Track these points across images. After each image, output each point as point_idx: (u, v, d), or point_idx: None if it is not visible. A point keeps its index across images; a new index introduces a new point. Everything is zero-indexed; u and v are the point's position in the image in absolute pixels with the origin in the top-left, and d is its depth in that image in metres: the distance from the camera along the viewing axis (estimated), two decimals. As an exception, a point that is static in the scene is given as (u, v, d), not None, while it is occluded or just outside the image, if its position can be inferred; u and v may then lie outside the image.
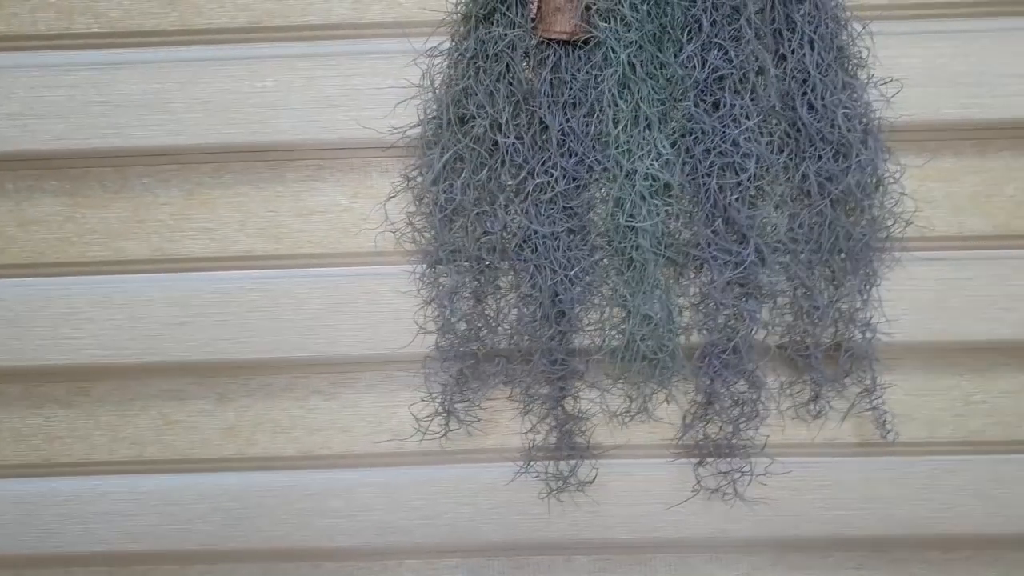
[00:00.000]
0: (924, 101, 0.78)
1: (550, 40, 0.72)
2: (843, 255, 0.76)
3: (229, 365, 0.86)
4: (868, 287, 0.78)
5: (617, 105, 0.70)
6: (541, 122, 0.73)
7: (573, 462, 0.85)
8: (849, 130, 0.72)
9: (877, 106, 0.75)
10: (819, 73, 0.71)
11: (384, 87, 0.78)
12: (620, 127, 0.70)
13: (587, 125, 0.73)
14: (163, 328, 0.84)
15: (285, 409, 0.88)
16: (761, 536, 0.90)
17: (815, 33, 0.71)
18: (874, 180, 0.75)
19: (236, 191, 0.82)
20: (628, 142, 0.70)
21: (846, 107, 0.72)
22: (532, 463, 0.85)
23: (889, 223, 0.78)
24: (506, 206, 0.73)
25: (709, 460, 0.85)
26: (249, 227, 0.83)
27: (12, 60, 0.79)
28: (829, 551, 0.91)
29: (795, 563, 0.92)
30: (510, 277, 0.78)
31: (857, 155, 0.72)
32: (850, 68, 0.73)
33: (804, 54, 0.71)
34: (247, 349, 0.85)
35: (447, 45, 0.74)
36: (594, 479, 0.87)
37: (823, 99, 0.72)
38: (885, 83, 0.76)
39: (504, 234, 0.75)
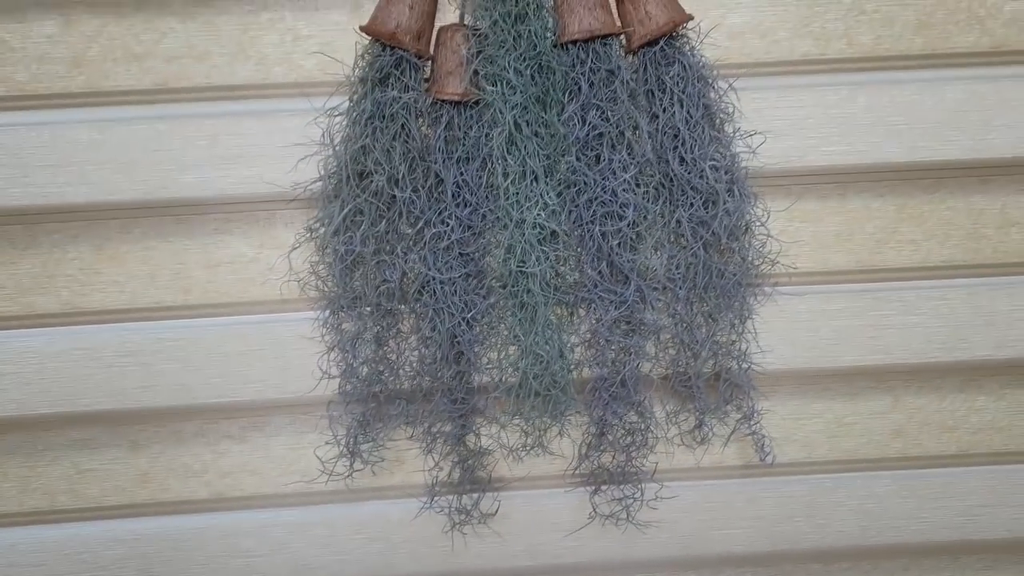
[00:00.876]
0: (789, 150, 0.86)
1: (443, 101, 0.78)
2: (717, 292, 0.83)
3: (141, 413, 0.88)
4: (742, 321, 0.85)
5: (506, 160, 0.76)
6: (437, 176, 0.78)
7: (476, 495, 0.89)
8: (716, 180, 0.79)
9: (744, 156, 0.83)
10: (688, 129, 0.78)
11: (286, 144, 0.82)
12: (509, 180, 0.76)
13: (480, 178, 0.79)
14: (74, 379, 0.87)
15: (197, 454, 0.90)
16: (656, 557, 0.96)
17: (683, 93, 0.78)
18: (742, 224, 0.82)
19: (145, 245, 0.85)
20: (517, 194, 0.76)
21: (713, 159, 0.79)
22: (436, 498, 0.90)
23: (757, 262, 0.85)
24: (404, 255, 0.78)
25: (604, 488, 0.90)
26: (158, 279, 0.86)
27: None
28: (720, 568, 0.98)
29: (690, 582, 0.98)
30: (411, 321, 0.83)
31: (724, 202, 0.79)
32: (717, 123, 0.80)
33: (674, 112, 0.78)
34: (158, 397, 0.88)
35: (345, 106, 0.78)
36: (496, 511, 0.91)
37: (692, 152, 0.78)
38: (751, 135, 0.84)
39: (404, 281, 0.79)
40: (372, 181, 0.77)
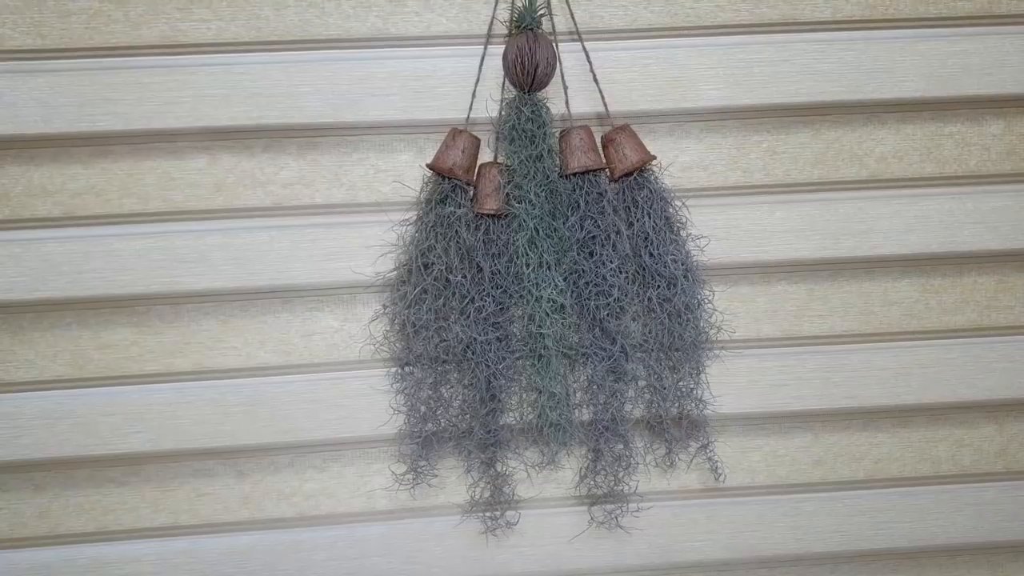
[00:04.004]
0: (726, 249, 1.19)
1: (483, 214, 1.11)
2: (679, 351, 1.15)
3: (246, 449, 1.17)
4: (698, 373, 1.17)
5: (528, 254, 1.08)
6: (478, 266, 1.10)
7: (503, 508, 1.18)
8: (675, 269, 1.12)
9: (695, 253, 1.16)
10: (655, 233, 1.11)
11: (368, 246, 1.14)
12: (530, 268, 1.08)
13: (508, 268, 1.11)
14: (197, 423, 1.16)
15: (287, 480, 1.19)
16: (637, 564, 1.24)
17: (651, 208, 1.12)
18: (696, 301, 1.14)
19: (258, 320, 1.16)
20: (536, 278, 1.08)
21: (672, 255, 1.12)
22: (473, 512, 1.18)
23: (708, 329, 1.17)
24: (455, 322, 1.10)
25: (598, 503, 1.20)
26: (267, 345, 1.16)
27: (102, 232, 1.12)
28: (687, 572, 1.26)
29: (665, 584, 1.27)
30: (457, 374, 1.14)
31: (681, 285, 1.12)
32: (675, 229, 1.14)
33: (644, 221, 1.12)
34: (261, 436, 1.16)
35: (413, 218, 1.11)
36: (518, 521, 1.20)
37: (658, 250, 1.11)
38: (699, 238, 1.17)
39: (454, 342, 1.10)
40: (434, 270, 1.08)
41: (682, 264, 1.13)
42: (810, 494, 1.26)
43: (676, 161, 1.18)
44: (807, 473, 1.25)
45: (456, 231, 1.09)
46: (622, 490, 1.18)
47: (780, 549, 1.25)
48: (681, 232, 1.15)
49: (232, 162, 1.13)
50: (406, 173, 1.15)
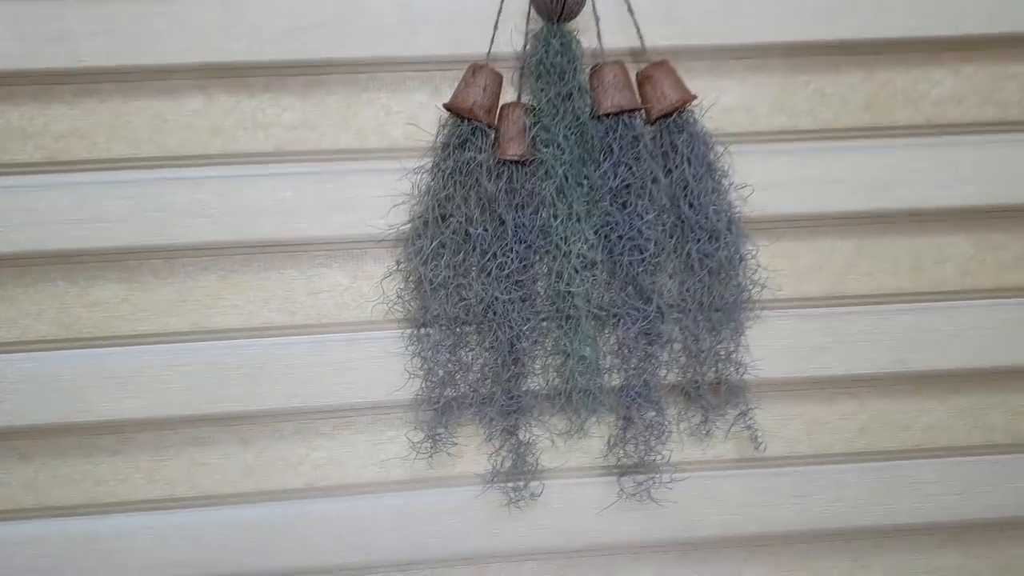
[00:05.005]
0: (770, 200, 1.10)
1: (506, 160, 1.00)
2: (719, 312, 1.05)
3: (249, 415, 1.08)
4: (738, 336, 1.07)
5: (556, 205, 0.98)
6: (500, 219, 1.00)
7: (525, 480, 1.09)
8: (718, 221, 1.02)
9: (737, 204, 1.06)
10: (695, 182, 1.01)
11: (379, 195, 1.04)
12: (559, 221, 0.98)
13: (532, 220, 1.01)
14: (196, 387, 1.06)
15: (294, 449, 1.10)
16: (667, 538, 1.16)
17: (691, 154, 1.02)
18: (738, 257, 1.05)
19: (261, 276, 1.06)
20: (565, 231, 0.98)
21: (715, 205, 1.02)
22: (494, 482, 1.10)
23: (750, 287, 1.07)
24: (475, 280, 1.00)
25: (628, 474, 1.11)
26: (270, 304, 1.07)
27: (90, 178, 1.02)
28: (719, 548, 1.18)
29: (696, 559, 1.18)
30: (477, 335, 1.04)
31: (724, 239, 1.02)
32: (717, 178, 1.04)
33: (684, 168, 1.01)
34: (264, 401, 1.07)
35: (428, 165, 1.01)
36: (541, 493, 1.11)
37: (699, 200, 1.01)
38: (742, 188, 1.07)
39: (474, 302, 1.01)
40: (452, 222, 0.99)
41: (725, 215, 1.03)
42: (853, 464, 1.17)
43: (717, 103, 1.07)
44: (851, 442, 1.17)
45: (476, 179, 0.99)
46: (654, 460, 1.10)
47: (820, 523, 1.17)
48: (723, 181, 1.05)
49: (230, 103, 1.03)
50: (421, 115, 1.04)
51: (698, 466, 1.15)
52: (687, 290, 1.04)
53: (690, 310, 1.05)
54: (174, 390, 1.06)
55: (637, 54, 1.04)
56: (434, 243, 0.99)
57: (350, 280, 1.07)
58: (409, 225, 1.03)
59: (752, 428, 1.11)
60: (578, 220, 0.98)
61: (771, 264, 1.11)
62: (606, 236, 1.01)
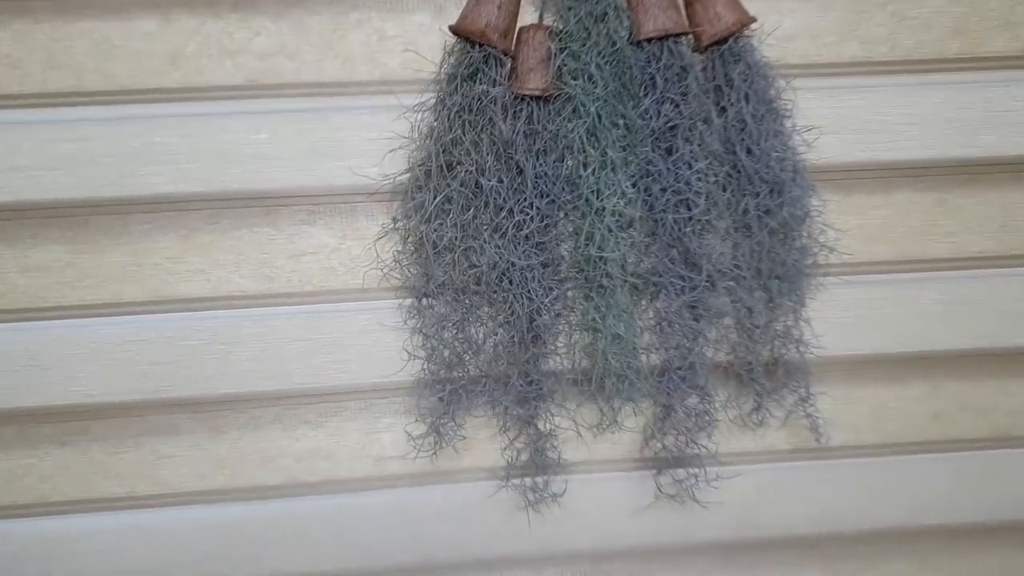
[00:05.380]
0: (838, 145, 0.92)
1: (526, 95, 0.82)
2: (779, 280, 0.88)
3: (221, 400, 0.91)
4: (799, 308, 0.90)
5: (586, 151, 0.80)
6: (518, 168, 0.82)
7: (547, 476, 0.93)
8: (781, 171, 0.84)
9: (802, 150, 0.88)
10: (754, 122, 0.83)
11: (372, 139, 0.86)
12: (589, 170, 0.80)
13: (557, 170, 0.83)
14: (158, 367, 0.90)
15: (273, 440, 0.94)
16: (711, 539, 1.00)
17: (749, 89, 0.83)
18: (803, 214, 0.87)
19: (231, 236, 0.89)
20: (596, 183, 0.80)
21: (778, 151, 0.84)
22: (509, 479, 0.93)
23: (815, 251, 0.90)
24: (488, 242, 0.82)
25: (667, 469, 0.95)
26: (243, 269, 0.89)
27: (25, 116, 0.84)
28: (768, 550, 1.02)
29: (743, 564, 1.02)
30: (490, 308, 0.87)
31: (788, 192, 0.84)
32: (778, 118, 0.86)
33: (741, 107, 0.83)
34: (239, 383, 0.91)
35: (431, 102, 0.83)
36: (564, 491, 0.95)
37: (758, 144, 0.84)
38: (807, 130, 0.89)
39: (486, 268, 0.83)
40: (459, 172, 0.81)
41: (790, 164, 0.85)
42: (925, 455, 1.01)
43: (779, 27, 0.89)
44: (922, 429, 1.00)
45: (489, 119, 0.81)
46: (697, 454, 0.93)
47: (885, 522, 1.01)
48: (786, 122, 0.87)
49: (192, 24, 0.85)
50: (421, 40, 0.86)
51: (747, 458, 0.98)
52: (741, 254, 0.86)
53: (744, 278, 0.87)
54: (131, 371, 0.90)
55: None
56: (438, 197, 0.81)
57: (338, 240, 0.90)
58: (408, 175, 0.85)
59: (813, 416, 0.94)
60: (612, 169, 0.81)
61: (837, 223, 0.93)
62: (646, 189, 0.83)
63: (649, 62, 0.82)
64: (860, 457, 1.01)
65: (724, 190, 0.85)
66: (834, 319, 0.96)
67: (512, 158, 0.82)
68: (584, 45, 0.80)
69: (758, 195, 0.85)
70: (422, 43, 0.86)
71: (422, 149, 0.83)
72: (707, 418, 0.92)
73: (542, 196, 0.83)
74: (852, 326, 0.96)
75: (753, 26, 0.84)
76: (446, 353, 0.87)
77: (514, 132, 0.82)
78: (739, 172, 0.85)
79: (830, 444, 0.98)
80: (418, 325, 0.87)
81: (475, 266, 0.84)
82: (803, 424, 0.96)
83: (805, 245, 0.88)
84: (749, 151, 0.84)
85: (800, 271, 0.88)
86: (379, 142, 0.87)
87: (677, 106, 0.82)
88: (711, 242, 0.85)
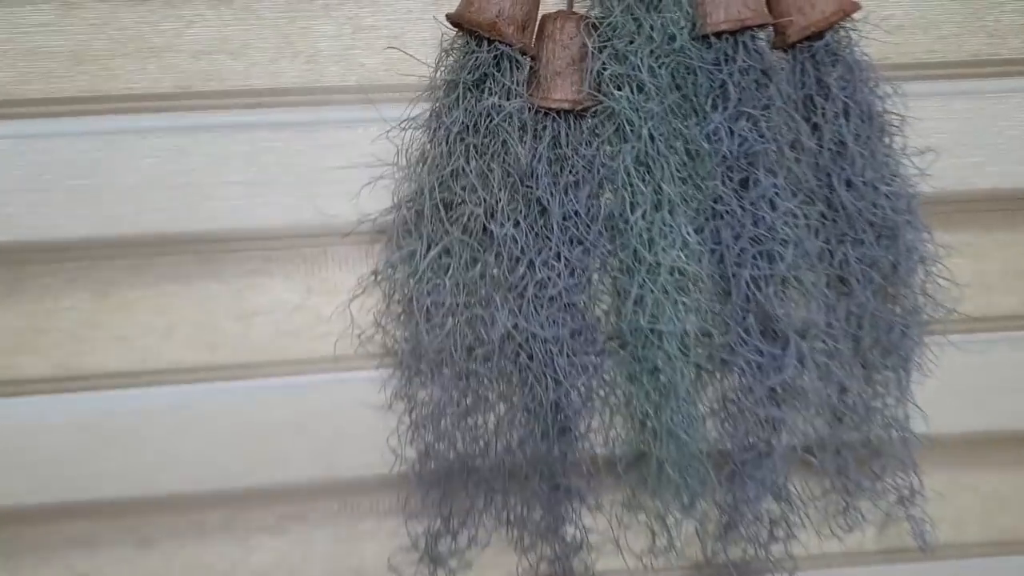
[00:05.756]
0: (955, 169, 0.70)
1: (549, 110, 0.61)
2: (882, 349, 0.66)
3: (154, 501, 0.70)
4: (906, 383, 0.69)
5: (634, 186, 0.59)
6: (541, 207, 0.61)
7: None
8: (892, 209, 0.62)
9: (914, 180, 0.66)
10: (857, 145, 0.62)
11: (346, 165, 0.65)
12: (639, 212, 0.59)
13: (593, 209, 0.62)
14: (70, 461, 0.68)
15: (222, 551, 0.72)
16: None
17: (851, 99, 0.62)
18: (916, 263, 0.65)
19: (160, 291, 0.67)
20: (648, 229, 0.59)
21: (887, 183, 0.62)
22: (526, 602, 0.72)
23: (928, 309, 0.68)
24: (500, 306, 0.61)
25: (730, 582, 0.73)
26: (177, 334, 0.68)
27: None
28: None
29: None
30: (502, 387, 0.65)
31: (902, 236, 0.63)
32: (889, 138, 0.64)
33: (840, 124, 0.62)
34: (176, 481, 0.69)
35: (426, 117, 0.61)
36: (598, 615, 0.74)
37: (863, 175, 0.62)
38: (921, 153, 0.67)
39: (498, 339, 0.62)
40: (464, 212, 0.59)
41: (903, 200, 0.63)
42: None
43: (880, 17, 0.67)
44: (1044, 524, 0.79)
45: (502, 142, 0.59)
46: (769, 559, 0.72)
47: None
48: (894, 142, 0.65)
49: (101, 12, 0.63)
50: (411, 33, 0.64)
51: (828, 561, 0.77)
52: (837, 319, 0.65)
53: (839, 349, 0.65)
54: (32, 466, 0.68)
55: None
56: (433, 249, 0.60)
57: (301, 296, 0.68)
58: (393, 215, 0.63)
59: (916, 518, 0.73)
60: (670, 210, 0.59)
61: (944, 271, 0.71)
62: (715, 235, 0.62)
63: (719, 64, 0.60)
64: (965, 558, 0.79)
65: (816, 235, 0.63)
66: (940, 389, 0.74)
67: (533, 194, 0.61)
68: (632, 42, 0.58)
69: (862, 242, 0.63)
70: (411, 37, 0.64)
71: (412, 181, 0.61)
72: (782, 518, 0.71)
73: (573, 244, 0.62)
74: (962, 398, 0.75)
75: (856, 15, 0.62)
76: (440, 446, 0.65)
77: (535, 159, 0.61)
78: (837, 212, 0.63)
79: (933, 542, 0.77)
80: (407, 408, 0.66)
81: (483, 339, 0.62)
82: (902, 525, 0.75)
83: (917, 304, 0.67)
84: (850, 183, 0.62)
85: (910, 337, 0.67)
86: (355, 170, 0.65)
87: (756, 124, 0.60)
88: (795, 304, 0.64)
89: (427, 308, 0.60)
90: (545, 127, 0.62)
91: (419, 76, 0.63)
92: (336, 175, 0.65)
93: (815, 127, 0.63)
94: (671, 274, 0.59)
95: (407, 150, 0.62)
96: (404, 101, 0.63)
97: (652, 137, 0.59)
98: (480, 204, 0.59)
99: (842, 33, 0.63)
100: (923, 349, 0.70)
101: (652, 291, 0.60)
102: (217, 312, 0.68)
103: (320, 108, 0.65)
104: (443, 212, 0.60)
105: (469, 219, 0.59)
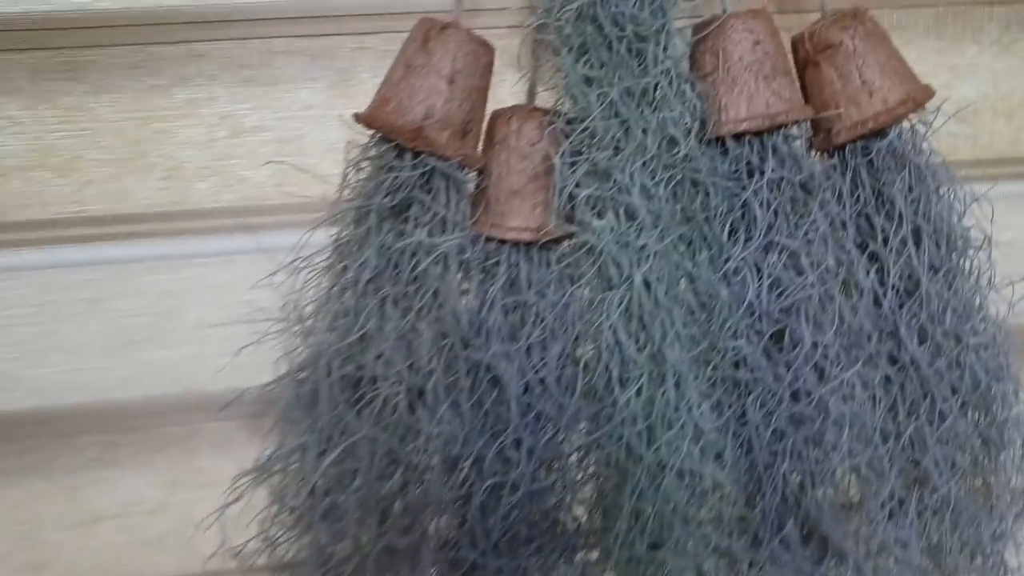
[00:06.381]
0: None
1: (502, 241, 0.43)
2: (966, 552, 0.48)
3: None
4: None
5: (623, 350, 0.41)
6: (491, 382, 0.42)
7: None
8: (985, 370, 0.44)
9: (1003, 320, 0.48)
10: (934, 281, 0.44)
11: (215, 319, 0.46)
12: (632, 388, 0.40)
13: (563, 375, 0.44)
14: None
15: None
16: None
17: (923, 218, 0.44)
18: (1013, 435, 0.47)
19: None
20: (646, 412, 0.41)
21: (976, 331, 0.45)
22: None
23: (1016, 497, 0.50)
24: (433, 524, 0.42)
25: None
26: (-11, 549, 0.48)
27: None
28: None
29: None
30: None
31: (997, 403, 0.45)
32: (968, 265, 0.46)
33: (909, 252, 0.44)
34: None
35: (329, 253, 0.43)
36: None
37: (942, 322, 0.44)
38: (1006, 285, 0.49)
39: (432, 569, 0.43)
40: (378, 395, 0.41)
41: (998, 356, 0.45)
42: None
43: (951, 101, 0.50)
44: None
45: (434, 293, 0.41)
46: None
47: None
48: (971, 267, 0.47)
49: None
50: (308, 136, 0.46)
51: None
52: (910, 522, 0.46)
53: (914, 558, 0.47)
54: None
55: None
56: (331, 453, 0.41)
57: (164, 493, 0.49)
58: (275, 387, 0.44)
59: None
60: (677, 384, 0.41)
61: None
62: (740, 415, 0.43)
63: (740, 178, 0.42)
64: None
65: (876, 402, 0.45)
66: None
67: (481, 359, 0.42)
68: (618, 151, 0.40)
69: (942, 415, 0.45)
70: (310, 143, 0.46)
71: (305, 345, 0.43)
72: None
73: (536, 432, 0.43)
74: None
75: (929, 105, 0.45)
76: None
77: (485, 308, 0.43)
78: (907, 373, 0.45)
79: None
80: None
81: (412, 566, 0.43)
82: None
83: (1016, 491, 0.49)
84: (924, 334, 0.44)
85: (1005, 541, 0.48)
86: (231, 326, 0.46)
87: (794, 259, 0.42)
88: (855, 510, 0.45)
89: (321, 543, 0.41)
90: (498, 264, 0.44)
91: (318, 197, 0.45)
92: (206, 332, 0.46)
93: (873, 258, 0.45)
94: (680, 478, 0.41)
95: (299, 300, 0.43)
96: (298, 229, 0.44)
97: (648, 284, 0.40)
98: (401, 382, 0.40)
99: (907, 127, 0.45)
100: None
101: (652, 503, 0.41)
102: (45, 517, 0.48)
103: (182, 239, 0.46)
104: (348, 393, 0.41)
105: (386, 404, 0.41)
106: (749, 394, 0.43)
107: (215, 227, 0.46)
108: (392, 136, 0.41)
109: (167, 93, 0.45)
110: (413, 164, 0.41)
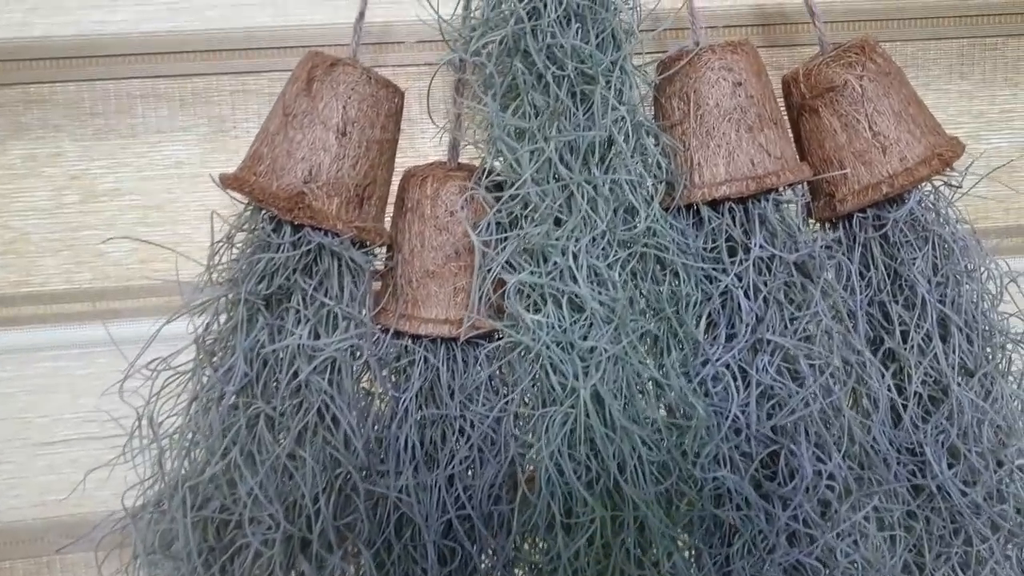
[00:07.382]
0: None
1: (416, 337, 0.33)
2: None
3: None
4: None
5: (570, 489, 0.31)
6: (400, 512, 0.33)
7: None
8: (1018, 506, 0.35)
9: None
10: (966, 389, 0.34)
11: (65, 437, 0.36)
12: (582, 537, 0.31)
13: (496, 512, 0.34)
14: None
15: None
16: None
17: (951, 306, 0.35)
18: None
19: None
20: (603, 571, 0.31)
21: (1023, 453, 0.35)
22: None
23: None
24: None
25: None
26: None
27: None
28: None
29: None
30: None
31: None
32: (1008, 364, 0.37)
33: (935, 349, 0.34)
34: None
35: (186, 357, 0.33)
36: None
37: (979, 440, 0.34)
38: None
39: None
40: (246, 545, 0.31)
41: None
42: None
43: (979, 154, 0.41)
44: None
45: (323, 408, 0.31)
46: None
47: None
48: (1012, 367, 0.38)
49: None
50: (180, 199, 0.37)
51: None
52: None
53: None
54: None
55: (790, 24, 0.37)
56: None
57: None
58: (137, 525, 0.34)
59: None
60: (640, 530, 0.31)
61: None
62: (722, 562, 0.33)
63: (718, 256, 0.33)
64: None
65: (896, 545, 0.35)
66: None
67: (387, 496, 0.32)
68: (559, 222, 0.31)
69: (980, 560, 0.35)
70: (181, 208, 0.37)
71: (159, 473, 0.33)
72: None
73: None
74: None
75: (957, 163, 0.36)
76: None
77: (393, 422, 0.33)
78: (933, 505, 0.35)
79: None
80: None
81: None
82: None
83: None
84: (955, 455, 0.35)
85: None
86: (76, 443, 0.36)
87: (790, 362, 0.33)
88: None
89: None
90: (411, 365, 0.34)
91: (181, 280, 0.35)
92: (46, 449, 0.36)
93: (891, 358, 0.35)
94: (646, 655, 0.31)
95: (155, 412, 0.33)
96: (155, 316, 0.34)
97: (600, 398, 0.31)
98: (276, 527, 0.31)
99: (928, 190, 0.36)
100: None
101: None
102: None
103: (19, 330, 0.37)
104: (213, 539, 0.31)
105: (258, 558, 0.31)
106: (734, 538, 0.33)
107: (60, 315, 0.37)
108: (264, 204, 0.31)
109: (1, 147, 0.36)
110: (293, 241, 0.31)
